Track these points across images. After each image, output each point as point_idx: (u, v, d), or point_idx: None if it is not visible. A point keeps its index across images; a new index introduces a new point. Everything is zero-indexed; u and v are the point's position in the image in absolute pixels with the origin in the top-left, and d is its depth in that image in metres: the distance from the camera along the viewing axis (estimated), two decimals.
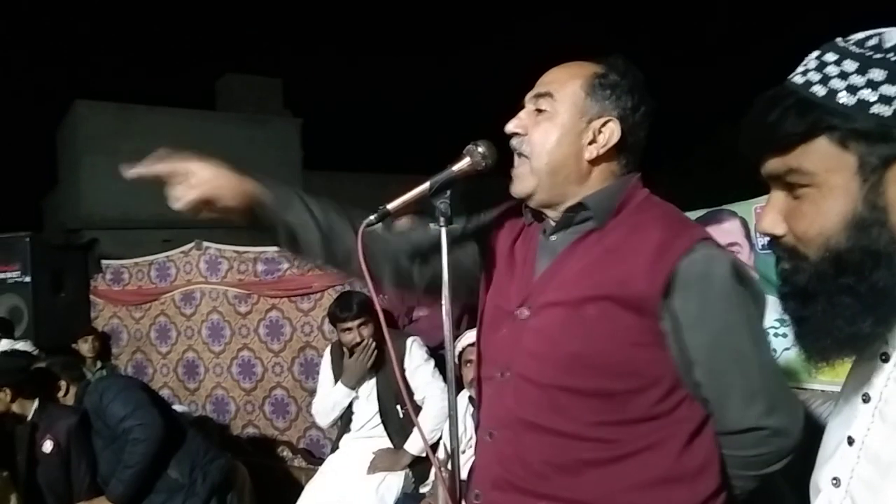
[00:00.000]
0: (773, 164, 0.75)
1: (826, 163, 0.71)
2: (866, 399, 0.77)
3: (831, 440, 0.82)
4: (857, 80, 0.69)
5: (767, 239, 0.81)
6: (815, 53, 0.74)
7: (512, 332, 1.29)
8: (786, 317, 0.79)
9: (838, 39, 0.74)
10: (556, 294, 1.24)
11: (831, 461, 0.80)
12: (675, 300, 1.17)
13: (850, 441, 0.78)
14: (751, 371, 1.20)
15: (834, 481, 0.78)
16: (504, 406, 1.28)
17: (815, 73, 0.72)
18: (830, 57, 0.72)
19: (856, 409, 0.78)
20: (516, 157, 1.31)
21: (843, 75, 0.70)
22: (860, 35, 0.73)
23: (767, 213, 0.78)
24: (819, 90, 0.71)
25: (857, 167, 0.70)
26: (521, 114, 1.31)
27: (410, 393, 3.12)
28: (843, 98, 0.69)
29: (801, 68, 0.75)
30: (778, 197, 0.77)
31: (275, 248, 4.59)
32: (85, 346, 4.67)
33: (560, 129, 1.26)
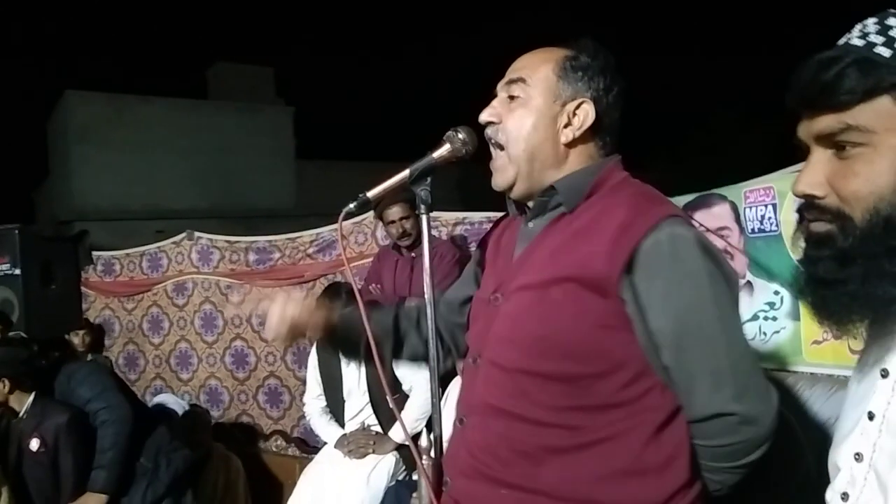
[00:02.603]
0: (825, 122, 0.75)
1: (886, 122, 0.71)
2: (885, 374, 0.78)
3: (848, 418, 0.83)
4: None
5: (800, 201, 0.80)
6: (872, 20, 0.75)
7: (486, 319, 1.29)
8: (804, 289, 0.78)
9: (891, 10, 0.75)
10: (526, 277, 1.23)
11: (851, 437, 0.80)
12: (639, 280, 1.14)
13: (871, 416, 0.78)
14: (718, 353, 1.15)
15: (856, 456, 0.79)
16: (474, 392, 1.27)
17: (877, 35, 0.73)
18: (894, 21, 0.73)
19: (874, 384, 0.79)
20: (493, 150, 1.30)
21: None
22: None
23: (808, 173, 0.77)
24: (884, 51, 0.72)
25: None
26: (494, 102, 1.30)
27: (398, 382, 3.13)
28: None
29: (856, 32, 0.76)
30: (820, 157, 0.77)
31: (266, 238, 4.60)
32: (76, 340, 4.70)
33: (535, 114, 1.25)
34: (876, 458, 0.77)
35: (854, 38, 0.75)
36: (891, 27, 0.73)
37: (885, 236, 0.71)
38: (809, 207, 0.78)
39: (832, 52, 0.74)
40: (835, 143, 0.75)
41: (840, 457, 0.82)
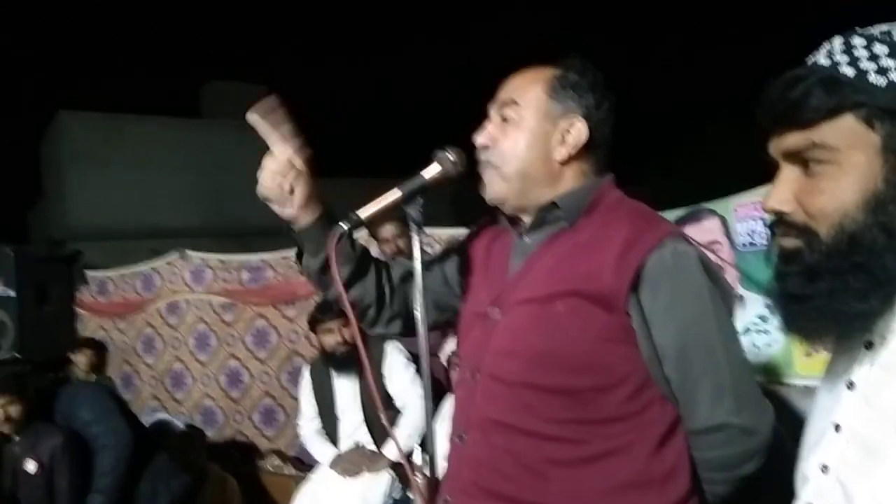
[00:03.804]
0: (792, 140, 0.76)
1: (850, 140, 0.73)
2: (850, 386, 0.78)
3: (815, 429, 0.83)
4: (889, 62, 0.72)
5: (770, 218, 0.81)
6: (838, 39, 0.77)
7: (483, 333, 1.30)
8: (776, 303, 0.79)
9: (857, 29, 0.77)
10: (527, 292, 1.24)
11: (817, 449, 0.81)
12: (644, 295, 1.17)
13: (837, 428, 0.79)
14: (720, 366, 1.18)
15: (823, 468, 0.79)
16: (474, 407, 1.27)
17: (842, 55, 0.75)
18: (858, 41, 0.75)
19: (840, 396, 0.80)
20: (486, 169, 1.31)
21: (874, 57, 0.73)
22: (882, 26, 0.76)
23: (777, 190, 0.79)
24: (848, 70, 0.73)
25: (881, 146, 0.72)
26: (488, 125, 1.31)
27: (390, 398, 3.13)
28: (874, 78, 0.72)
29: (823, 51, 0.77)
30: (789, 174, 0.78)
31: (259, 257, 4.59)
32: (83, 360, 4.60)
33: (528, 135, 1.27)
34: (842, 469, 0.77)
35: (820, 57, 0.77)
36: (855, 47, 0.75)
37: (850, 252, 0.72)
38: (779, 223, 0.80)
39: (799, 71, 0.76)
40: (802, 159, 0.77)
41: (808, 468, 0.83)
